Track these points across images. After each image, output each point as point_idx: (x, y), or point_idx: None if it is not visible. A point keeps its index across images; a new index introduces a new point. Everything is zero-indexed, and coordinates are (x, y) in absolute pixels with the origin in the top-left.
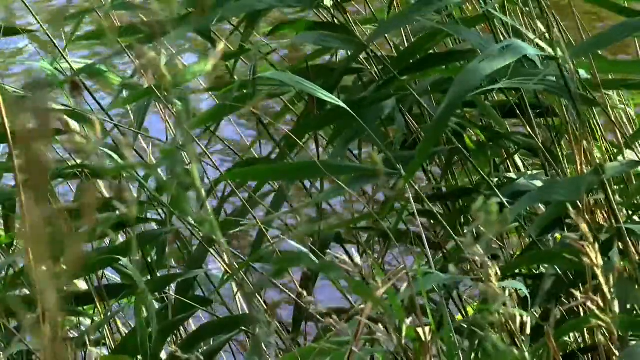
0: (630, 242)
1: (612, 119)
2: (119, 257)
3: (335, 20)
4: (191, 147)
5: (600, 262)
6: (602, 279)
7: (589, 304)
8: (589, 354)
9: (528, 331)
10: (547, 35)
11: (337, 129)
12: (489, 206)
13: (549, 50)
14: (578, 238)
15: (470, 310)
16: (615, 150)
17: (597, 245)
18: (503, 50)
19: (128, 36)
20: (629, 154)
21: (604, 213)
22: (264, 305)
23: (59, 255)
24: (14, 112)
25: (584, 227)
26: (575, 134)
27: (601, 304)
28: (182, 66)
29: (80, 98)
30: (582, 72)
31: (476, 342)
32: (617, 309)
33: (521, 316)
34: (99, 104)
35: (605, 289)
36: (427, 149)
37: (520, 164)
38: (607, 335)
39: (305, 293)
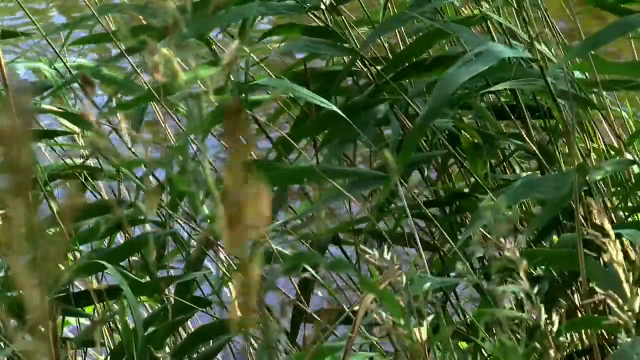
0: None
1: (607, 118)
2: (117, 259)
3: (329, 23)
4: (203, 143)
5: (622, 259)
6: (622, 277)
7: (609, 301)
8: (585, 356)
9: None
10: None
11: (329, 134)
12: (497, 204)
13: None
14: (600, 235)
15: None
16: (612, 152)
17: (618, 243)
18: (480, 54)
19: (132, 37)
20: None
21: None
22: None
23: (41, 258)
24: None
25: (606, 224)
26: (568, 133)
27: (620, 301)
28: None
29: (92, 94)
30: (576, 72)
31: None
32: (637, 307)
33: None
34: (96, 105)
35: (626, 286)
36: (408, 153)
37: (516, 166)
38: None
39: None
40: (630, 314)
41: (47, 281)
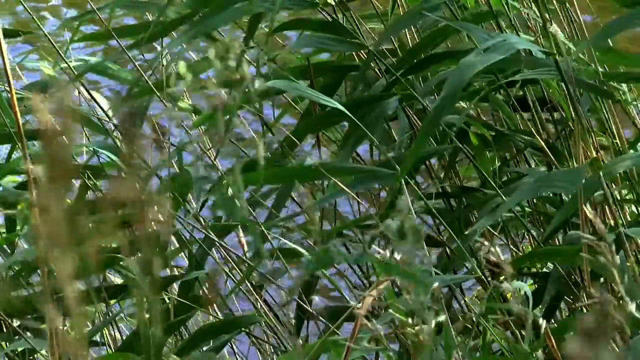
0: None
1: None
2: (122, 257)
3: (339, 18)
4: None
5: (618, 261)
6: (617, 279)
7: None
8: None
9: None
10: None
11: (346, 135)
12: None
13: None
14: (595, 238)
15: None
16: (627, 145)
17: (614, 246)
18: (497, 45)
19: (128, 36)
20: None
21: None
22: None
23: (78, 249)
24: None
25: (601, 226)
26: (579, 127)
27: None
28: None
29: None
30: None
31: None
32: (632, 308)
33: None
34: (98, 104)
35: (621, 288)
36: (421, 145)
37: (531, 159)
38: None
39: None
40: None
41: (85, 272)
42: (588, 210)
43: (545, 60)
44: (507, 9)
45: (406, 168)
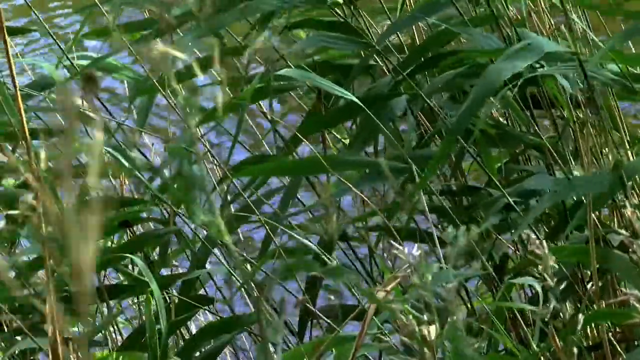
0: None
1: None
2: (126, 255)
3: (346, 16)
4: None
5: None
6: None
7: (632, 301)
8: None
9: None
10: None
11: (358, 131)
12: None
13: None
14: (629, 235)
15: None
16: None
17: None
18: (524, 48)
19: (133, 32)
20: None
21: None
22: (269, 305)
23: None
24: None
25: (636, 225)
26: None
27: None
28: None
29: (93, 93)
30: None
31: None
32: None
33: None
34: (100, 101)
35: None
36: (447, 148)
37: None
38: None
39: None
40: None
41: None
42: (628, 207)
43: (564, 57)
44: (505, 9)
45: (433, 168)
